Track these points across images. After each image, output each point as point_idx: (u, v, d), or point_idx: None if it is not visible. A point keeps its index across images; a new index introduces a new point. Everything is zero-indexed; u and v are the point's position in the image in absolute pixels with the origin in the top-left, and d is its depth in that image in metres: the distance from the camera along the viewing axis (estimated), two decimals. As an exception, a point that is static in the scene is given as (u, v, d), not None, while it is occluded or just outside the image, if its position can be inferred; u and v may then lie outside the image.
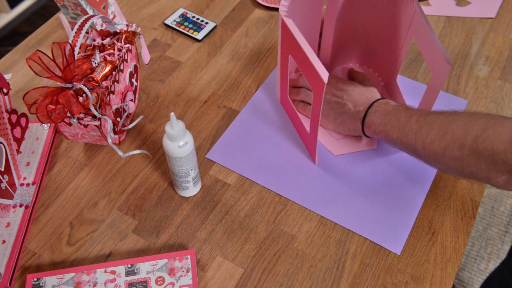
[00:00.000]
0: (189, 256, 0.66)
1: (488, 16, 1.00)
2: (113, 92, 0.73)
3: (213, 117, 0.84)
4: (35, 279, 0.64)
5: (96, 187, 0.76)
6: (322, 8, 0.80)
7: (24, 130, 0.79)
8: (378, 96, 0.75)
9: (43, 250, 0.70)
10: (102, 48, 0.76)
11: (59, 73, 0.65)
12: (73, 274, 0.65)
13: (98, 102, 0.69)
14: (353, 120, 0.74)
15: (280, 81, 0.80)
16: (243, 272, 0.67)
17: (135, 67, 0.82)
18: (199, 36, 0.96)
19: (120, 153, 0.67)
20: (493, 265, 1.49)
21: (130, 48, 0.77)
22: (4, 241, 0.68)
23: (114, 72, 0.73)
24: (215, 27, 0.98)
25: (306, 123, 0.80)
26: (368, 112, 0.72)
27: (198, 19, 0.99)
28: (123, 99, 0.78)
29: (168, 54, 0.94)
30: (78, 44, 0.67)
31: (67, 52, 0.65)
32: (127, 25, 0.79)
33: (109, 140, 0.69)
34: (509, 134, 0.53)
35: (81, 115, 0.69)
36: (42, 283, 0.64)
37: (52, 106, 0.65)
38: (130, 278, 0.64)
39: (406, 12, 0.72)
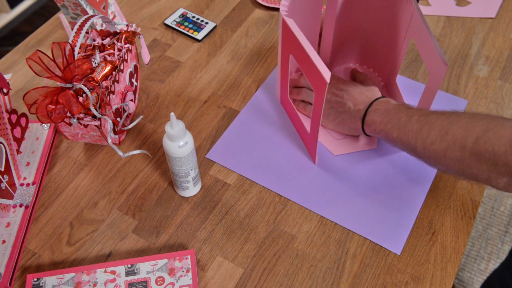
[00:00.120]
0: (189, 256, 0.66)
1: (488, 16, 1.00)
2: (113, 92, 0.73)
3: (213, 117, 0.84)
4: (35, 279, 0.64)
5: (96, 187, 0.76)
6: (322, 8, 0.81)
7: (24, 130, 0.79)
8: (379, 95, 0.75)
9: (43, 250, 0.70)
10: (102, 48, 0.76)
11: (59, 73, 0.65)
12: (73, 274, 0.65)
13: (98, 102, 0.69)
14: (353, 119, 0.74)
15: (281, 81, 0.80)
16: (243, 272, 0.68)
17: (135, 67, 0.82)
18: (199, 36, 0.96)
19: (120, 153, 0.67)
20: (493, 265, 1.49)
21: (130, 48, 0.77)
22: (4, 241, 0.68)
23: (114, 72, 0.73)
24: (215, 27, 0.98)
25: (306, 123, 0.80)
26: (368, 111, 0.72)
27: (198, 19, 0.99)
28: (123, 99, 0.78)
29: (168, 54, 0.94)
30: (78, 44, 0.67)
31: (67, 52, 0.65)
32: (127, 25, 0.79)
33: (109, 140, 0.68)
34: (510, 136, 0.53)
35: (81, 115, 0.69)
36: (42, 283, 0.64)
37: (52, 106, 0.65)
38: (130, 278, 0.64)
39: (405, 12, 0.72)
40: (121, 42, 0.77)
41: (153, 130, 0.82)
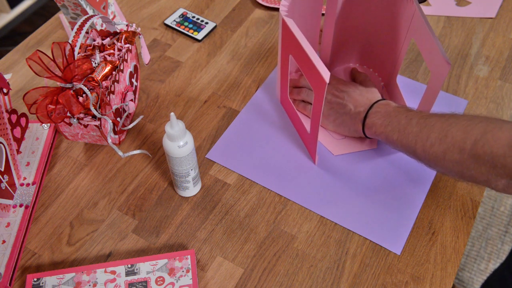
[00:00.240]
0: (189, 256, 0.66)
1: (488, 16, 1.00)
2: (113, 92, 0.73)
3: (213, 117, 0.84)
4: (35, 279, 0.64)
5: (96, 187, 0.76)
6: (322, 8, 0.81)
7: (24, 130, 0.79)
8: (379, 97, 0.75)
9: (43, 250, 0.70)
10: (102, 48, 0.76)
11: (59, 73, 0.65)
12: (73, 274, 0.65)
13: (98, 102, 0.69)
14: (353, 121, 0.74)
15: (280, 81, 0.80)
16: (243, 272, 0.67)
17: (135, 67, 0.82)
18: (199, 36, 0.96)
19: (120, 153, 0.67)
20: (493, 265, 1.49)
21: (130, 48, 0.77)
22: (4, 241, 0.68)
23: (114, 72, 0.73)
24: (215, 27, 0.98)
25: (306, 123, 0.80)
26: (368, 113, 0.72)
27: (198, 19, 0.99)
28: (123, 99, 0.78)
29: (168, 54, 0.94)
30: (78, 44, 0.67)
31: (67, 52, 0.65)
32: (127, 25, 0.79)
33: (109, 140, 0.68)
34: (508, 139, 0.54)
35: (81, 115, 0.69)
36: (42, 283, 0.64)
37: (52, 106, 0.65)
38: (130, 278, 0.64)
39: (406, 12, 0.72)
40: (121, 42, 0.77)
41: (153, 130, 0.82)
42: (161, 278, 0.64)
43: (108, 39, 0.77)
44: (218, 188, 0.75)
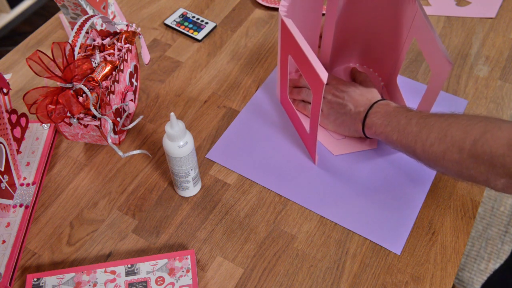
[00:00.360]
0: (189, 256, 0.66)
1: (488, 16, 1.00)
2: (113, 92, 0.73)
3: (213, 117, 0.84)
4: (35, 279, 0.64)
5: (96, 187, 0.76)
6: (322, 8, 0.80)
7: (24, 130, 0.79)
8: (379, 97, 0.75)
9: (43, 250, 0.70)
10: (102, 48, 0.76)
11: (59, 73, 0.65)
12: (73, 274, 0.65)
13: (98, 102, 0.69)
14: (353, 121, 0.74)
15: (280, 81, 0.80)
16: (243, 272, 0.68)
17: (135, 67, 0.82)
18: (199, 36, 0.96)
19: (120, 153, 0.67)
20: (493, 265, 1.49)
21: (130, 48, 0.77)
22: (4, 241, 0.68)
23: (114, 72, 0.73)
24: (215, 27, 0.98)
25: (306, 123, 0.80)
26: (368, 113, 0.72)
27: (198, 19, 0.99)
28: (123, 99, 0.78)
29: (168, 54, 0.94)
30: (78, 44, 0.67)
31: (67, 52, 0.65)
32: (127, 25, 0.79)
33: (109, 140, 0.69)
34: (508, 138, 0.54)
35: (81, 115, 0.69)
36: (42, 283, 0.64)
37: (52, 106, 0.65)
38: (130, 278, 0.64)
39: (408, 11, 0.72)
40: (121, 42, 0.77)
41: (153, 130, 0.83)
42: (161, 278, 0.64)
43: (108, 39, 0.77)
44: (218, 188, 0.75)
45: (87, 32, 0.81)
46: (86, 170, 0.78)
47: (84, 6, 0.83)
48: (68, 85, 0.67)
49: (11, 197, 0.71)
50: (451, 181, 0.76)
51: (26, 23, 2.22)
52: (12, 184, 0.72)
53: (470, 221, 0.72)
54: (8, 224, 0.70)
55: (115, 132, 0.76)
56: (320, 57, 0.86)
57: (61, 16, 1.00)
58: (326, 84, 0.75)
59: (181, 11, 1.01)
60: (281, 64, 0.77)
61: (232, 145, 0.80)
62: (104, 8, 0.89)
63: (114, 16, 0.95)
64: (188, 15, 1.00)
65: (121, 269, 0.65)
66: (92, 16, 0.71)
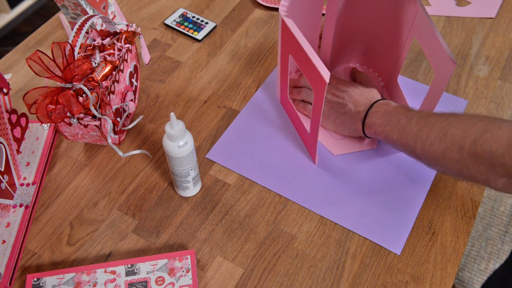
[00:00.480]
0: (189, 256, 0.66)
1: (488, 16, 1.00)
2: (113, 92, 0.73)
3: (213, 117, 0.84)
4: (35, 279, 0.64)
5: (96, 187, 0.76)
6: (322, 8, 0.80)
7: (24, 130, 0.79)
8: (379, 96, 0.75)
9: (43, 250, 0.70)
10: (102, 48, 0.76)
11: (59, 73, 0.65)
12: (73, 274, 0.65)
13: (98, 102, 0.69)
14: (353, 121, 0.74)
15: (280, 81, 0.80)
16: (243, 272, 0.67)
17: (135, 67, 0.82)
18: (199, 36, 0.96)
19: (120, 153, 0.67)
20: (493, 265, 1.49)
21: (130, 48, 0.77)
22: (4, 241, 0.68)
23: (114, 72, 0.73)
24: (215, 27, 0.98)
25: (306, 123, 0.80)
26: (368, 113, 0.72)
27: (198, 19, 0.99)
28: (123, 99, 0.78)
29: (168, 54, 0.94)
30: (78, 44, 0.67)
31: (67, 52, 0.65)
32: (127, 25, 0.79)
33: (109, 140, 0.69)
34: (508, 137, 0.54)
35: (81, 115, 0.69)
36: (42, 283, 0.64)
37: (52, 106, 0.65)
38: (130, 278, 0.64)
39: (408, 11, 0.72)
40: (121, 42, 0.77)
41: (153, 130, 0.83)
42: (161, 278, 0.64)
43: (108, 39, 0.77)
44: (218, 188, 0.75)
45: (87, 32, 0.81)
46: (86, 170, 0.78)
47: (84, 6, 0.83)
48: (68, 85, 0.67)
49: (11, 197, 0.71)
50: (451, 181, 0.76)
51: (26, 23, 2.22)
52: (12, 184, 0.72)
53: (470, 221, 0.72)
54: (8, 224, 0.70)
55: (115, 132, 0.76)
56: (320, 57, 0.86)
57: (61, 16, 1.00)
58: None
59: (181, 11, 1.01)
60: (281, 64, 0.76)
61: (232, 145, 0.80)
62: (104, 8, 0.89)
63: (114, 16, 0.95)
64: (188, 15, 1.00)
65: (121, 269, 0.65)
66: (92, 16, 0.71)
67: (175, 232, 0.71)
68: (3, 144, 0.70)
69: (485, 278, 1.46)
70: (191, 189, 0.73)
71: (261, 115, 0.84)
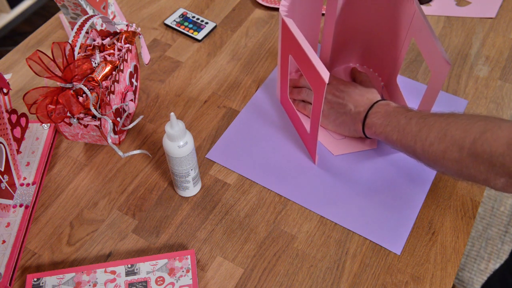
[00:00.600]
0: (189, 256, 0.66)
1: (488, 16, 1.00)
2: (113, 92, 0.73)
3: (213, 117, 0.84)
4: (35, 279, 0.64)
5: (96, 187, 0.76)
6: (322, 8, 0.81)
7: (24, 130, 0.79)
8: (379, 97, 0.75)
9: (43, 250, 0.70)
10: (102, 48, 0.76)
11: (59, 73, 0.65)
12: (73, 274, 0.65)
13: (98, 102, 0.69)
14: (353, 121, 0.74)
15: (280, 81, 0.80)
16: (243, 272, 0.68)
17: (135, 67, 0.82)
18: (199, 36, 0.96)
19: (120, 153, 0.67)
20: (493, 265, 1.49)
21: (130, 48, 0.77)
22: (4, 241, 0.68)
23: (114, 72, 0.73)
24: (215, 27, 0.98)
25: (306, 123, 0.80)
26: (368, 113, 0.72)
27: (198, 19, 0.99)
28: (123, 99, 0.78)
29: (168, 54, 0.94)
30: (78, 44, 0.67)
31: (67, 52, 0.65)
32: (127, 25, 0.79)
33: (109, 140, 0.69)
34: (507, 137, 0.54)
35: (81, 115, 0.69)
36: (42, 283, 0.64)
37: (52, 106, 0.65)
38: (130, 278, 0.64)
39: (406, 11, 0.72)
40: (121, 42, 0.77)
41: (153, 130, 0.83)
42: (161, 278, 0.64)
43: (108, 39, 0.77)
44: (218, 188, 0.75)
45: (87, 32, 0.81)
46: (86, 170, 0.78)
47: (84, 6, 0.83)
48: (68, 85, 0.67)
49: (11, 197, 0.71)
50: (451, 181, 0.76)
51: (26, 23, 2.22)
52: (12, 184, 0.72)
53: (470, 221, 0.72)
54: (8, 224, 0.70)
55: (115, 132, 0.76)
56: (320, 57, 0.86)
57: (61, 16, 1.00)
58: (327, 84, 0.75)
59: (181, 11, 1.01)
60: (281, 64, 0.77)
61: (232, 145, 0.80)
62: (104, 8, 0.89)
63: (114, 16, 0.95)
64: (188, 15, 1.00)
65: (121, 269, 0.65)
66: (92, 16, 0.71)
67: (175, 232, 0.71)
68: (3, 144, 0.70)
69: (485, 278, 1.46)
70: (191, 189, 0.73)
71: (261, 115, 0.84)
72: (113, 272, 0.65)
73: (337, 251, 0.69)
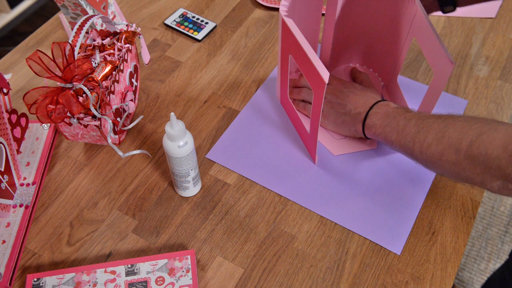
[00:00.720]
0: (189, 256, 0.66)
1: (488, 16, 1.00)
2: (113, 92, 0.73)
3: (213, 117, 0.84)
4: (35, 279, 0.64)
5: (96, 187, 0.76)
6: (322, 8, 0.80)
7: (24, 130, 0.79)
8: (379, 97, 0.75)
9: (43, 250, 0.70)
10: (102, 48, 0.76)
11: (59, 73, 0.65)
12: (73, 274, 0.65)
13: (98, 102, 0.69)
14: (353, 121, 0.74)
15: (280, 81, 0.80)
16: (243, 272, 0.68)
17: (135, 67, 0.82)
18: (199, 36, 0.96)
19: (120, 153, 0.67)
20: (493, 265, 1.49)
21: (130, 48, 0.77)
22: (4, 241, 0.68)
23: (114, 72, 0.73)
24: (215, 27, 0.98)
25: (306, 123, 0.80)
26: (368, 114, 0.72)
27: (198, 19, 0.99)
28: (123, 99, 0.78)
29: (168, 54, 0.94)
30: (78, 44, 0.67)
31: (67, 52, 0.65)
32: (127, 25, 0.79)
33: (109, 140, 0.69)
34: (503, 140, 0.54)
35: (81, 115, 0.69)
36: (42, 283, 0.64)
37: (52, 106, 0.65)
38: (130, 278, 0.64)
39: (407, 11, 0.72)
40: (121, 42, 0.77)
41: (153, 130, 0.83)
42: (161, 278, 0.64)
43: (108, 39, 0.77)
44: (218, 188, 0.75)
45: (87, 32, 0.81)
46: (86, 170, 0.78)
47: (84, 6, 0.83)
48: (68, 85, 0.67)
49: (11, 197, 0.71)
50: (451, 182, 0.76)
51: (26, 23, 2.22)
52: (12, 184, 0.72)
53: (470, 221, 0.72)
54: (8, 224, 0.70)
55: (115, 132, 0.76)
56: (320, 57, 0.86)
57: (61, 16, 1.00)
58: (327, 84, 0.75)
59: (181, 11, 1.01)
60: (281, 64, 0.77)
61: (232, 145, 0.80)
62: (104, 8, 0.89)
63: (114, 16, 0.95)
64: (188, 15, 1.00)
65: (121, 269, 0.65)
66: (92, 16, 0.71)
67: (175, 232, 0.71)
68: (3, 144, 0.70)
69: (485, 278, 1.46)
70: (191, 189, 0.73)
71: (261, 115, 0.84)
72: (113, 272, 0.65)
73: (337, 251, 0.69)
